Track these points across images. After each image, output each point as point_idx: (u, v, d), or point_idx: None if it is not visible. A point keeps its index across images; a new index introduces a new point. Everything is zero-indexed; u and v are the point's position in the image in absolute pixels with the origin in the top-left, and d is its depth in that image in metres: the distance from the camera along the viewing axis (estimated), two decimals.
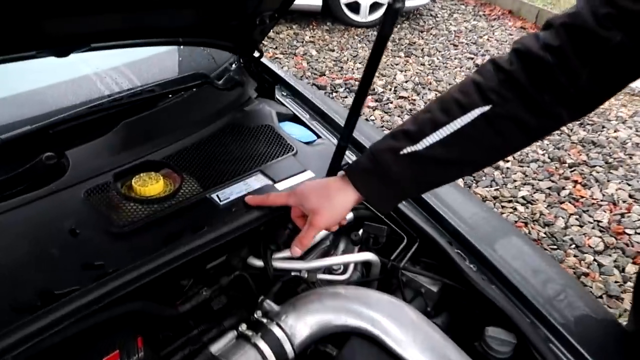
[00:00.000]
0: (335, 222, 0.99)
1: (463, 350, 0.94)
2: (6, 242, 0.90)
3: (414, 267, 1.17)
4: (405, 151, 0.87)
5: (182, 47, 1.53)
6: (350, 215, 1.22)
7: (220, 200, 1.09)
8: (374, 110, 3.98)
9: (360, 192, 0.92)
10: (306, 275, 1.10)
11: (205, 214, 1.05)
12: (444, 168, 0.90)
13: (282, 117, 1.45)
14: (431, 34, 5.75)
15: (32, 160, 1.03)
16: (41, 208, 0.98)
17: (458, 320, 1.11)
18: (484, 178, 3.34)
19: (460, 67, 4.93)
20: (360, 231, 1.19)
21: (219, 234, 1.00)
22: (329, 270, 1.16)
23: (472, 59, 5.15)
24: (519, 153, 3.57)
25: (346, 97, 4.18)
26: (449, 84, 4.53)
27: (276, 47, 5.06)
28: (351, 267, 1.16)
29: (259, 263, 1.08)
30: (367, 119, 3.83)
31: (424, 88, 4.44)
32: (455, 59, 5.13)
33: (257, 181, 1.17)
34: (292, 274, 1.09)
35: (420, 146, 0.86)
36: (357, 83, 4.40)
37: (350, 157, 1.33)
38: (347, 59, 4.90)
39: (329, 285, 1.14)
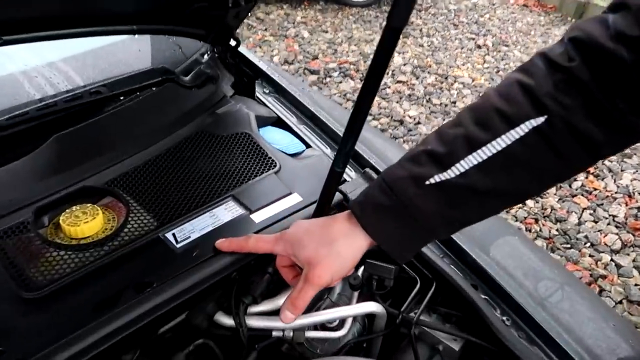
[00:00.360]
0: (339, 277, 0.74)
1: None
2: None
3: (430, 317, 0.92)
4: (432, 180, 0.65)
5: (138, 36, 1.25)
6: None
7: (178, 242, 0.83)
8: None
9: (373, 236, 0.70)
10: (291, 335, 0.85)
11: (155, 263, 0.79)
12: (482, 201, 0.66)
13: (264, 121, 1.18)
14: (430, 13, 5.43)
15: None
16: None
17: None
18: None
19: (462, 48, 4.64)
20: (361, 271, 0.94)
21: (172, 294, 0.74)
22: (321, 324, 0.91)
23: (473, 39, 4.85)
24: None
25: (340, 82, 3.90)
26: (450, 67, 4.25)
27: (265, 29, 4.74)
28: (349, 319, 0.91)
29: (229, 322, 0.83)
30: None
31: (423, 71, 4.16)
32: (455, 39, 4.83)
33: (227, 211, 0.91)
34: (273, 334, 0.84)
35: (451, 173, 0.64)
36: (352, 67, 4.11)
37: (349, 173, 1.08)
38: (342, 41, 4.60)
39: (321, 344, 0.89)
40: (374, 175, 1.04)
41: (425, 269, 0.92)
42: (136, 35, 1.22)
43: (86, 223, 0.82)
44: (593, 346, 0.84)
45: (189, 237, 0.84)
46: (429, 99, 3.78)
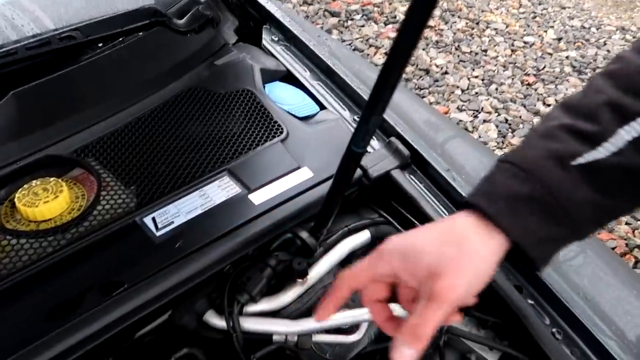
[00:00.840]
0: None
1: None
2: None
3: (464, 325, 0.77)
4: (580, 160, 0.52)
5: None
6: (365, 236, 0.81)
7: (158, 228, 0.68)
8: None
9: (512, 233, 0.52)
10: (295, 340, 0.71)
11: (129, 255, 0.65)
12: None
13: (271, 76, 0.99)
14: None
15: None
16: None
17: None
18: (521, 126, 2.86)
19: None
20: None
21: (147, 297, 0.60)
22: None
23: None
24: (561, 95, 3.07)
25: (363, 25, 3.61)
26: (482, 11, 3.91)
27: None
28: (365, 323, 0.77)
29: (221, 324, 0.69)
30: (386, 53, 3.29)
31: (453, 15, 3.83)
32: None
33: (221, 189, 0.75)
34: (274, 338, 0.70)
35: (603, 151, 0.52)
36: (376, 9, 3.81)
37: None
38: None
39: (331, 349, 0.75)
40: (401, 147, 0.86)
41: None
42: None
43: (46, 203, 0.67)
44: None
45: (172, 222, 0.69)
46: (458, 46, 3.49)
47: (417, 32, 0.47)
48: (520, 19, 3.89)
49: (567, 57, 3.42)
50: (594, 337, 0.69)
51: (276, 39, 1.10)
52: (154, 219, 0.69)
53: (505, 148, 2.71)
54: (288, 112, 0.91)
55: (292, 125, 0.87)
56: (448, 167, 0.87)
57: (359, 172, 0.81)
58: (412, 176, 0.87)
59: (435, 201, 0.85)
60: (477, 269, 0.52)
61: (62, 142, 0.75)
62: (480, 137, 2.77)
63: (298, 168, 0.80)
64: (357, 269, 0.56)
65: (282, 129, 0.85)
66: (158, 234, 0.67)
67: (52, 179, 0.70)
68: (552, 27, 3.76)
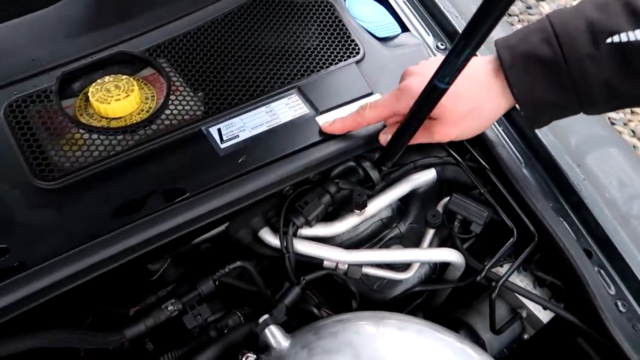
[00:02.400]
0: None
1: None
2: None
3: (519, 274, 0.74)
4: (616, 39, 0.55)
5: None
6: (431, 175, 0.77)
7: (223, 140, 0.67)
8: None
9: (517, 95, 0.62)
10: (346, 268, 0.71)
11: (193, 164, 0.65)
12: None
13: None
14: None
15: None
16: None
17: None
18: None
19: None
20: (442, 204, 0.76)
21: (207, 209, 0.60)
22: None
23: None
24: None
25: None
26: None
27: None
28: (417, 264, 0.75)
29: (275, 242, 0.69)
30: None
31: None
32: None
33: (289, 107, 0.72)
34: (325, 264, 0.71)
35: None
36: None
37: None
38: None
39: (379, 282, 0.75)
40: None
41: (527, 218, 0.71)
42: None
43: (118, 101, 0.67)
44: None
45: (237, 136, 0.68)
46: None
47: None
48: None
49: None
50: None
51: None
52: (219, 130, 0.67)
53: None
54: (367, 31, 0.84)
55: (369, 46, 0.81)
56: None
57: None
58: None
59: (513, 147, 0.78)
60: (473, 127, 0.67)
61: (136, 39, 0.74)
62: None
63: (371, 94, 0.75)
64: (379, 103, 0.66)
65: (358, 49, 0.79)
66: (222, 146, 0.66)
67: (124, 76, 0.70)
68: None
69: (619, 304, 0.67)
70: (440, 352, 0.58)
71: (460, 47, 0.50)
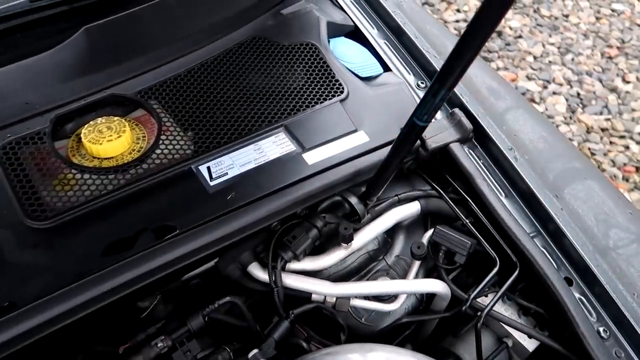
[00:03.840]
0: None
1: None
2: None
3: (504, 304, 0.76)
4: None
5: None
6: (415, 208, 0.79)
7: (212, 178, 0.69)
8: None
9: None
10: (334, 302, 0.72)
11: (183, 202, 0.66)
12: None
13: (336, 30, 0.96)
14: None
15: None
16: None
17: None
18: (593, 102, 2.68)
19: None
20: (427, 236, 0.78)
21: (196, 245, 0.62)
22: None
23: None
24: None
25: None
26: None
27: None
28: (403, 295, 0.76)
29: (264, 277, 0.71)
30: (458, 10, 3.12)
31: None
32: None
33: (276, 145, 0.74)
34: (313, 298, 0.72)
35: None
36: None
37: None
38: None
39: (367, 314, 0.76)
40: (464, 119, 0.83)
41: (509, 248, 0.74)
42: None
43: (110, 142, 0.69)
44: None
45: (226, 173, 0.70)
46: (538, 8, 3.25)
47: (504, 6, 0.44)
48: None
49: None
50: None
51: None
52: (209, 169, 0.70)
53: (572, 124, 2.56)
54: (350, 71, 0.88)
55: (353, 85, 0.85)
56: (511, 146, 0.83)
57: (417, 142, 0.79)
58: (471, 151, 0.84)
59: (493, 180, 0.81)
60: None
61: (127, 82, 0.77)
62: (546, 109, 2.62)
63: (355, 131, 0.78)
64: None
65: (342, 88, 0.83)
66: (212, 183, 0.68)
67: (116, 118, 0.72)
68: None
69: (601, 330, 0.69)
70: None
71: (436, 88, 0.53)
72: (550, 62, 2.88)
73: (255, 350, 0.61)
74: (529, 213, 0.78)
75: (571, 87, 2.75)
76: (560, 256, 0.75)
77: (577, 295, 0.71)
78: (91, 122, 0.71)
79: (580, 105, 2.68)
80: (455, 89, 0.86)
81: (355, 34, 0.98)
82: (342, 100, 0.82)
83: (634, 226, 0.83)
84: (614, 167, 2.43)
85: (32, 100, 0.71)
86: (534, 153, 0.85)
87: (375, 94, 0.85)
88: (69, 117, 0.72)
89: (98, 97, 0.74)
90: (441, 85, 0.52)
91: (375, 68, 0.91)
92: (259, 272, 0.71)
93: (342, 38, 0.97)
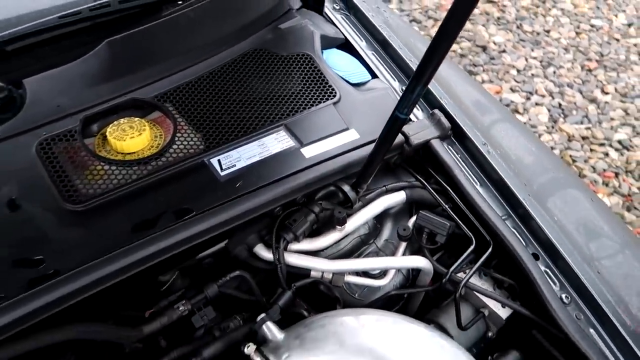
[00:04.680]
0: None
1: None
2: None
3: (480, 279, 0.86)
4: None
5: None
6: (401, 197, 0.90)
7: (222, 169, 0.79)
8: None
9: None
10: (330, 277, 0.82)
11: (198, 189, 0.76)
12: None
13: (329, 42, 1.07)
14: None
15: None
16: None
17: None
18: (574, 112, 2.81)
19: None
20: (412, 221, 0.88)
21: (210, 224, 0.72)
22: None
23: None
24: (622, 84, 2.97)
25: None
26: None
27: None
28: (393, 270, 0.86)
29: (268, 256, 0.80)
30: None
31: None
32: None
33: (277, 141, 0.85)
34: (312, 274, 0.81)
35: None
36: None
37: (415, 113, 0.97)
38: None
39: (360, 290, 0.86)
40: (443, 119, 0.94)
41: (483, 228, 0.84)
42: None
43: (132, 138, 0.79)
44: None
45: (234, 165, 0.80)
46: (520, 24, 3.41)
47: (467, 10, 0.54)
48: (591, 0, 3.74)
49: (635, 45, 3.29)
50: (599, 305, 0.77)
51: (337, 7, 1.17)
52: (219, 161, 0.80)
53: (554, 133, 2.69)
54: (342, 78, 0.99)
55: (344, 90, 0.96)
56: (485, 141, 0.93)
57: (401, 138, 0.89)
58: (450, 147, 0.94)
59: (469, 171, 0.92)
60: None
61: (145, 87, 0.87)
62: (530, 119, 2.75)
63: (346, 129, 0.89)
64: None
65: (335, 92, 0.94)
66: (222, 173, 0.78)
67: (136, 118, 0.82)
68: (624, 11, 3.60)
69: (563, 297, 0.79)
70: (414, 338, 0.69)
71: (413, 85, 0.64)
72: (532, 75, 3.02)
73: (263, 314, 0.70)
74: (500, 199, 0.89)
75: (553, 98, 2.88)
76: (528, 235, 0.85)
77: (542, 268, 0.81)
78: (115, 122, 0.81)
79: (562, 115, 2.81)
80: (435, 93, 0.98)
81: (346, 46, 1.09)
82: (334, 103, 0.93)
83: (597, 212, 0.94)
84: (594, 173, 2.55)
85: (62, 103, 0.81)
86: (512, 158, 0.95)
87: (364, 97, 0.96)
88: (95, 117, 0.82)
89: (120, 100, 0.84)
90: (417, 82, 0.63)
91: (364, 75, 1.02)
92: (264, 252, 0.81)
93: (334, 49, 1.08)
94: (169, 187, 0.76)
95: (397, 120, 0.68)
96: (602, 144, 2.68)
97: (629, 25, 3.45)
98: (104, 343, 0.69)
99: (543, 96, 2.88)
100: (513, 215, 0.87)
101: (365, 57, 1.06)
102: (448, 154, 0.92)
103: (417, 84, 0.63)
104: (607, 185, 2.51)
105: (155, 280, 0.76)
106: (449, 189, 0.89)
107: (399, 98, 0.97)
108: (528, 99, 2.86)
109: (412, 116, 0.96)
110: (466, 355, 0.69)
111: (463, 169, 0.91)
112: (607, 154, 2.63)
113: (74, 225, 0.69)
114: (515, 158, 0.94)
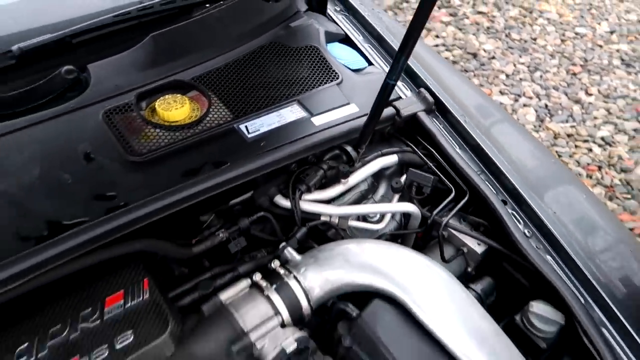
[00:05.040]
0: None
1: (501, 325, 0.84)
2: (17, 164, 0.85)
3: (460, 224, 1.04)
4: None
5: None
6: (394, 159, 1.09)
7: (249, 132, 0.98)
8: (446, 25, 3.62)
9: None
10: (337, 222, 1.00)
11: (230, 147, 0.95)
12: None
13: (332, 37, 1.28)
14: None
15: (51, 73, 0.96)
16: (57, 128, 0.91)
17: (501, 288, 0.99)
18: (559, 112, 3.02)
19: None
20: (403, 178, 1.07)
21: (242, 171, 0.90)
22: (363, 217, 1.06)
23: None
24: (605, 86, 3.18)
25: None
26: (537, 0, 4.01)
27: None
28: (388, 216, 1.05)
29: (286, 204, 0.99)
30: (437, 36, 3.49)
31: (507, 3, 3.96)
32: None
33: (292, 112, 1.04)
34: (322, 218, 1.00)
35: None
36: None
37: (404, 92, 1.17)
38: None
39: (361, 234, 1.04)
40: (428, 95, 1.13)
41: (461, 181, 1.03)
42: None
43: (177, 110, 0.98)
44: (605, 264, 0.94)
45: (259, 130, 0.99)
46: (509, 33, 3.63)
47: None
48: (575, 10, 3.97)
49: (617, 50, 3.50)
50: (555, 237, 0.95)
51: (338, 9, 1.38)
52: (246, 127, 0.99)
53: (541, 131, 2.88)
54: (343, 65, 1.19)
55: (345, 74, 1.16)
56: (463, 113, 1.13)
57: (393, 111, 1.09)
58: (434, 119, 1.14)
59: (451, 139, 1.11)
60: None
61: (184, 71, 1.07)
62: (518, 119, 2.94)
63: (348, 104, 1.08)
64: None
65: (338, 75, 1.14)
66: (249, 136, 0.97)
67: (178, 95, 1.02)
68: (606, 19, 3.83)
69: (526, 232, 0.97)
70: (405, 257, 0.87)
71: (398, 57, 0.84)
72: (520, 79, 3.23)
73: (284, 243, 0.89)
74: (475, 159, 1.08)
75: (540, 100, 3.09)
76: (498, 186, 1.04)
77: (510, 210, 1.00)
78: (161, 98, 1.01)
79: (548, 115, 3.01)
80: (421, 75, 1.17)
81: (347, 40, 1.30)
82: (338, 84, 1.12)
83: (561, 172, 1.13)
84: (579, 167, 2.74)
85: (120, 83, 1.01)
86: (514, 158, 1.10)
87: (361, 80, 1.16)
88: (146, 94, 1.01)
89: (165, 81, 1.04)
90: (402, 54, 0.82)
91: (361, 63, 1.22)
92: (282, 201, 1.00)
93: (337, 43, 1.28)
94: (207, 146, 0.95)
95: (388, 85, 0.87)
96: (586, 141, 2.87)
97: (612, 32, 3.67)
98: (159, 264, 0.87)
99: (530, 98, 3.08)
100: (486, 171, 1.06)
101: (363, 48, 1.26)
102: (433, 124, 1.11)
103: (401, 55, 0.83)
104: (590, 177, 2.70)
105: (197, 219, 0.94)
106: (433, 151, 1.08)
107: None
108: (516, 100, 3.07)
109: (401, 94, 1.15)
110: (447, 271, 0.87)
111: (445, 136, 1.11)
112: (590, 150, 2.82)
113: (136, 171, 0.88)
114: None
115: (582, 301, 0.90)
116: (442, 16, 3.71)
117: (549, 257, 0.94)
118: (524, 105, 3.05)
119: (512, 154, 1.09)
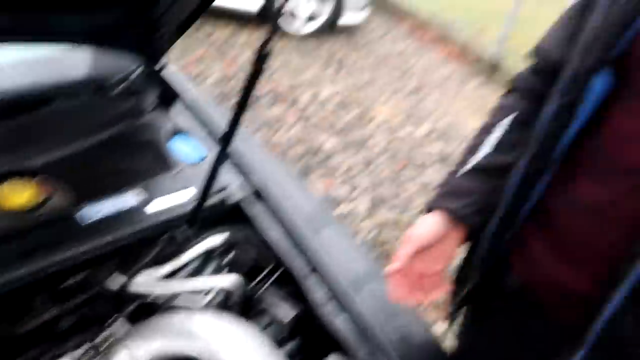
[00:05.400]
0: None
1: None
2: None
3: (277, 293, 1.23)
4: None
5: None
6: (222, 237, 1.27)
7: (88, 217, 1.10)
8: (294, 124, 4.04)
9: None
10: (165, 297, 1.13)
11: (67, 231, 1.06)
12: None
13: (176, 132, 1.47)
14: (363, 51, 5.91)
15: None
16: None
17: (308, 346, 1.19)
18: (390, 201, 3.48)
19: (388, 87, 5.14)
20: (231, 255, 1.25)
21: (75, 253, 1.01)
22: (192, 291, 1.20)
23: (399, 80, 5.38)
24: (427, 179, 3.76)
25: (270, 107, 4.21)
26: (374, 102, 4.70)
27: (206, 48, 4.97)
28: (215, 290, 1.21)
29: (119, 283, 1.10)
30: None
31: (345, 107, 4.56)
32: (382, 78, 5.32)
33: (133, 197, 1.19)
34: (152, 295, 1.12)
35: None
36: (282, 93, 4.46)
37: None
38: (278, 67, 4.94)
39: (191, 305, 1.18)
40: (251, 184, 1.36)
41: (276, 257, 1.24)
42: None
43: (19, 194, 1.07)
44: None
45: (97, 214, 1.11)
46: (347, 132, 4.16)
47: (250, 89, 0.97)
48: (401, 113, 4.71)
49: (429, 153, 4.19)
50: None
51: (185, 106, 1.59)
52: (84, 212, 1.11)
53: (372, 218, 3.27)
54: (185, 157, 1.38)
55: (183, 164, 1.35)
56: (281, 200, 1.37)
57: (221, 197, 1.29)
58: (257, 205, 1.36)
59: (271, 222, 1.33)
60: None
61: (30, 160, 1.17)
62: (355, 207, 3.32)
63: (184, 189, 1.26)
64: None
65: (176, 165, 1.32)
66: (87, 221, 1.09)
67: (21, 181, 1.11)
68: (423, 123, 4.61)
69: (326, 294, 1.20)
70: (226, 326, 1.02)
71: (223, 144, 1.05)
72: (358, 171, 3.70)
73: (116, 315, 0.99)
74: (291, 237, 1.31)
75: (374, 190, 3.55)
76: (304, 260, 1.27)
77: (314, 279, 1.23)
78: (9, 180, 1.09)
79: (382, 202, 3.46)
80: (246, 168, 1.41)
81: (189, 135, 1.50)
82: (178, 172, 1.30)
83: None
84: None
85: None
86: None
87: (200, 167, 1.34)
88: None
89: (12, 168, 1.12)
90: (226, 142, 1.04)
91: (203, 153, 1.42)
92: (115, 280, 1.10)
93: (180, 137, 1.47)
94: (44, 230, 1.05)
95: (216, 169, 1.08)
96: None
97: (430, 133, 4.43)
98: None
99: (366, 189, 3.53)
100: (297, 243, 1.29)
101: (205, 141, 1.47)
102: (255, 209, 1.33)
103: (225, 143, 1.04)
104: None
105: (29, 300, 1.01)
106: (256, 231, 1.29)
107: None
108: (353, 190, 3.49)
109: (230, 183, 1.37)
110: (260, 334, 1.04)
111: (265, 220, 1.32)
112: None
113: None
114: None
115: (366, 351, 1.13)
116: (290, 117, 4.13)
117: (344, 315, 1.17)
118: (359, 195, 3.46)
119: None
